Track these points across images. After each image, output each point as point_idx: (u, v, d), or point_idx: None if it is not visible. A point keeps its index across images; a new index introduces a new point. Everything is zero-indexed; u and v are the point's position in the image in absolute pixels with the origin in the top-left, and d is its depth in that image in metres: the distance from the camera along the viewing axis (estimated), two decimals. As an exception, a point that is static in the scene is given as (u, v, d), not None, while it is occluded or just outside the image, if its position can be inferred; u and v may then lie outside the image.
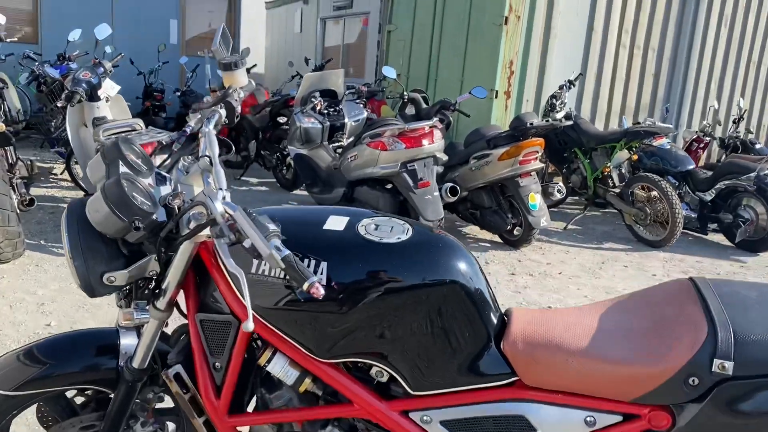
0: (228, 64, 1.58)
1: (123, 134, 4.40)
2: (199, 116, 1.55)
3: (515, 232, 5.27)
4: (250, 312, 1.19)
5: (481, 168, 5.12)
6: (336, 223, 1.42)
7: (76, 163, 5.43)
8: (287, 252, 1.18)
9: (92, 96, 4.86)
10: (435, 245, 1.39)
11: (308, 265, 1.34)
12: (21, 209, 4.24)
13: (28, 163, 4.44)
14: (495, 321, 1.40)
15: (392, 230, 1.41)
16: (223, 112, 1.55)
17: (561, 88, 6.54)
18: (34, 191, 5.91)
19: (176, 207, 1.38)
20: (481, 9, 7.30)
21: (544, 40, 7.35)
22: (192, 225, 1.32)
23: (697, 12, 8.20)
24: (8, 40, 5.04)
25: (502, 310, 1.48)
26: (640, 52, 8.09)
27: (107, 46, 7.27)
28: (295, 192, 6.83)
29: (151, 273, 1.44)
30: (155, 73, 9.66)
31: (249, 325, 1.18)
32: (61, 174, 6.60)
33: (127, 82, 9.61)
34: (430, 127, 4.67)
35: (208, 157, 1.43)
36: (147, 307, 1.47)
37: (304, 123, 5.71)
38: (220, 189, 1.30)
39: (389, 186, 4.83)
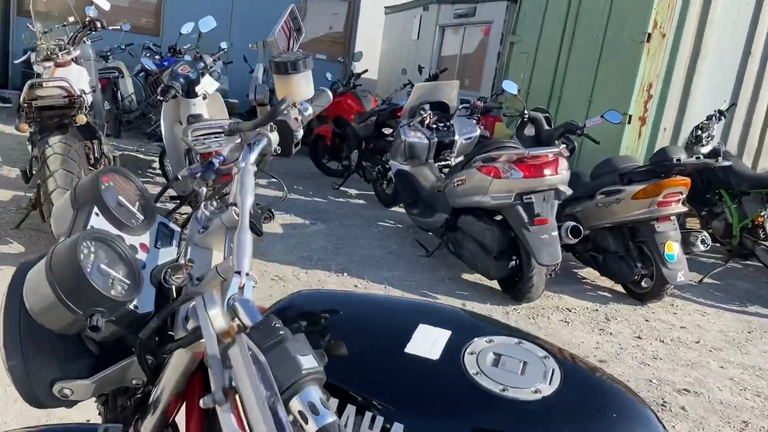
0: (282, 65, 1.02)
1: (210, 135, 4.05)
2: (238, 141, 1.02)
3: (643, 284, 4.47)
4: None
5: (609, 205, 4.38)
6: (428, 340, 0.84)
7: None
8: (330, 419, 0.62)
9: (189, 92, 4.56)
10: (603, 407, 0.78)
11: (371, 425, 0.77)
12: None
13: (113, 157, 4.17)
14: None
15: (525, 369, 0.81)
16: (274, 137, 1.02)
17: (709, 118, 5.64)
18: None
19: (174, 288, 0.86)
20: (620, 23, 6.49)
21: (690, 62, 6.43)
22: (190, 325, 0.80)
23: None
24: (110, 27, 4.84)
25: None
26: (804, 83, 6.95)
27: (223, 42, 7.07)
28: (393, 209, 6.31)
29: (134, 382, 0.93)
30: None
31: None
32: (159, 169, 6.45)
33: (240, 79, 9.52)
34: (555, 154, 3.99)
35: (237, 207, 0.90)
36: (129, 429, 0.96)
37: (410, 137, 5.17)
38: (237, 273, 0.77)
39: (499, 218, 4.19)
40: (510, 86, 5.35)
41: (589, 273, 4.98)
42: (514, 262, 4.03)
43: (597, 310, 4.29)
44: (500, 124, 7.17)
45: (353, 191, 6.93)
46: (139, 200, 0.98)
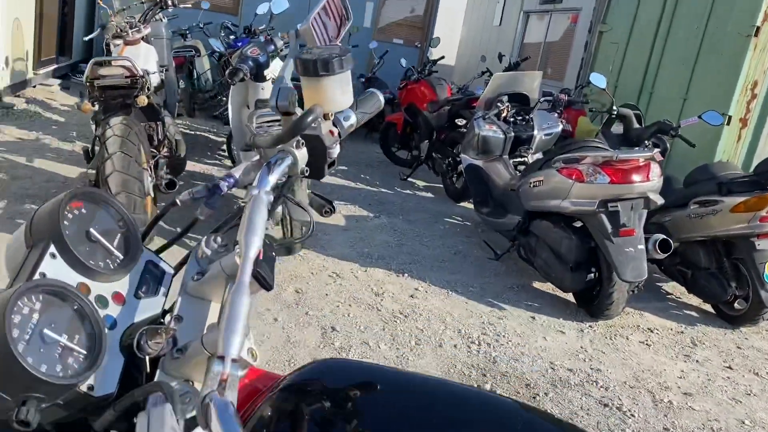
0: (310, 64, 0.77)
1: (273, 123, 3.87)
2: (257, 158, 0.78)
3: (737, 306, 4.03)
4: None
5: (704, 217, 3.95)
6: None
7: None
8: None
9: (258, 75, 4.39)
10: None
11: None
12: (162, 192, 3.87)
13: (176, 141, 4.06)
14: None
15: None
16: (301, 154, 0.77)
17: (824, 123, 5.04)
18: (198, 167, 5.69)
19: (148, 358, 0.64)
20: (724, 15, 5.91)
21: (804, 60, 5.79)
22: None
23: None
24: (182, 5, 4.73)
25: None
26: None
27: (299, 25, 6.89)
28: (461, 204, 6.00)
29: None
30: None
31: None
32: (228, 152, 6.37)
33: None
34: (647, 159, 3.59)
35: (239, 249, 0.66)
36: None
37: (484, 130, 4.83)
38: (219, 359, 0.53)
39: (578, 224, 3.84)
40: (598, 79, 4.94)
41: (675, 288, 4.55)
42: (592, 275, 3.68)
43: (682, 332, 3.89)
44: (584, 118, 6.71)
45: (421, 183, 6.66)
46: (121, 232, 0.77)
